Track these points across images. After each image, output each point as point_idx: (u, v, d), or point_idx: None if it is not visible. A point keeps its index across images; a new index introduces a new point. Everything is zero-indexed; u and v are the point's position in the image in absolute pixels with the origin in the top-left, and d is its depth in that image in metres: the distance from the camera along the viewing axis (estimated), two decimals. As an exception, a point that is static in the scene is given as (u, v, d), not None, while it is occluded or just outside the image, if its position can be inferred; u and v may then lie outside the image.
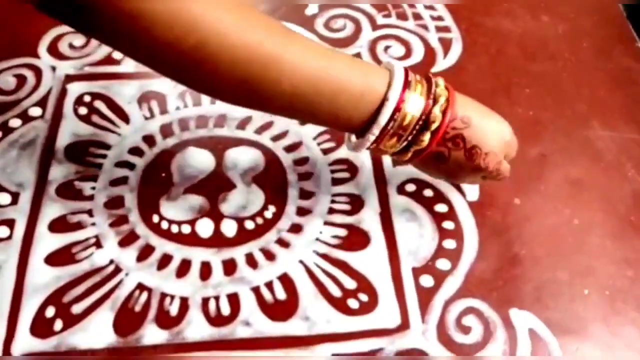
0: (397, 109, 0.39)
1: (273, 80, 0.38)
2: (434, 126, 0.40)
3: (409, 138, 0.41)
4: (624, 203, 0.51)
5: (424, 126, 0.40)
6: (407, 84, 0.40)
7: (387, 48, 0.60)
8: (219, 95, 0.41)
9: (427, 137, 0.41)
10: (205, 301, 0.44)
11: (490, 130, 0.42)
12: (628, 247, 0.48)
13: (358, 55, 0.59)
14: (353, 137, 0.44)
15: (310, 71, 0.38)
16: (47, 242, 0.47)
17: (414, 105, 0.40)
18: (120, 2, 0.34)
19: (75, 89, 0.56)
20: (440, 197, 0.50)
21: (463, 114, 0.41)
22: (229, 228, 0.48)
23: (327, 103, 0.40)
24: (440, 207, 0.50)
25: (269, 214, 0.49)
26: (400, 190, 0.50)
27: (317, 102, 0.39)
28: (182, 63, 0.37)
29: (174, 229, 0.48)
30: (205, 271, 0.46)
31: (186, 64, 0.37)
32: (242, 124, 0.54)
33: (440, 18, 0.63)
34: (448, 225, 0.49)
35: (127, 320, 0.43)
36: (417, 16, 0.63)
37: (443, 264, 0.47)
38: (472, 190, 0.51)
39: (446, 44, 0.61)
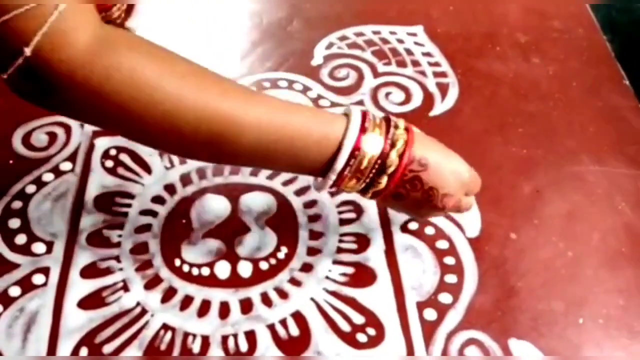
0: (353, 155, 0.42)
1: (233, 137, 0.41)
2: (390, 170, 0.43)
3: (367, 181, 0.44)
4: (615, 235, 0.54)
5: (381, 169, 0.43)
6: (363, 129, 0.43)
7: (387, 94, 0.65)
8: (189, 154, 0.45)
9: (384, 180, 0.44)
10: (224, 339, 0.48)
11: (447, 172, 0.45)
12: (620, 277, 0.51)
13: (361, 102, 0.64)
14: (318, 178, 0.46)
15: (268, 126, 0.42)
16: (79, 287, 0.51)
17: (371, 149, 0.43)
18: (87, 84, 0.37)
19: (101, 143, 0.60)
20: (441, 234, 0.54)
21: (420, 156, 0.44)
22: (245, 269, 0.52)
23: (286, 152, 0.43)
24: (441, 244, 0.53)
25: (281, 254, 0.53)
26: (404, 228, 0.54)
27: (276, 152, 0.43)
28: (150, 130, 0.40)
29: (195, 271, 0.52)
30: (224, 310, 0.49)
31: (153, 131, 0.40)
32: (255, 171, 0.58)
33: (437, 64, 0.67)
34: (449, 260, 0.52)
35: (154, 358, 0.47)
36: (415, 63, 0.68)
37: (445, 297, 0.50)
38: (472, 227, 0.54)
39: (443, 89, 0.65)
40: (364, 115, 0.44)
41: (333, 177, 0.43)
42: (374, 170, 0.43)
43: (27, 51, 0.36)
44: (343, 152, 0.42)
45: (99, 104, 0.38)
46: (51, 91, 0.38)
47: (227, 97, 0.41)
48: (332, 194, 0.56)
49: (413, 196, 0.45)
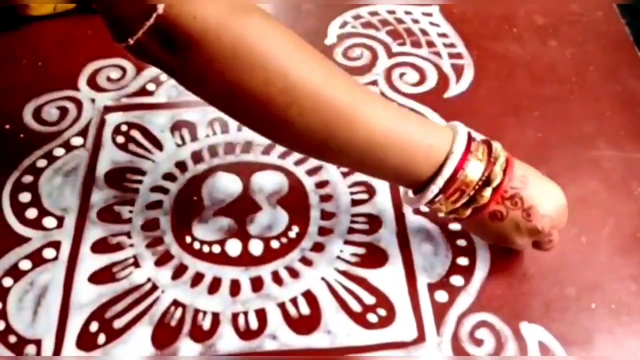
0: (461, 163, 0.42)
1: (347, 127, 0.40)
2: (495, 182, 0.42)
3: (471, 193, 0.42)
4: (630, 221, 0.53)
5: (485, 182, 0.42)
6: (469, 143, 0.42)
7: (402, 75, 0.64)
8: (294, 142, 0.43)
9: (488, 192, 0.42)
10: (235, 316, 0.48)
11: (547, 193, 0.44)
12: (634, 264, 0.50)
13: (374, 82, 0.63)
14: (410, 193, 0.46)
15: (382, 123, 0.41)
16: (90, 262, 0.51)
17: (476, 163, 0.42)
18: (218, 45, 0.37)
19: (113, 119, 0.60)
20: (453, 216, 0.53)
21: (521, 173, 0.43)
22: (256, 247, 0.51)
23: (396, 154, 0.42)
24: (454, 226, 0.52)
25: (292, 234, 0.52)
26: (416, 210, 0.53)
27: (387, 152, 0.42)
28: (268, 106, 0.39)
29: (205, 249, 0.51)
30: (235, 288, 0.49)
31: (270, 108, 0.39)
32: (267, 150, 0.58)
33: (452, 45, 0.66)
34: (461, 243, 0.52)
35: (164, 334, 0.47)
36: (430, 44, 0.67)
37: (457, 280, 0.50)
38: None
39: (458, 70, 0.64)
40: (468, 132, 0.44)
41: (440, 183, 0.42)
42: (479, 183, 0.42)
43: (160, 8, 0.36)
44: (451, 160, 0.42)
45: (224, 69, 0.38)
46: (179, 51, 0.38)
47: (347, 89, 0.41)
48: (345, 175, 0.56)
49: (512, 215, 0.43)
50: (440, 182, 0.42)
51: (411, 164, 0.42)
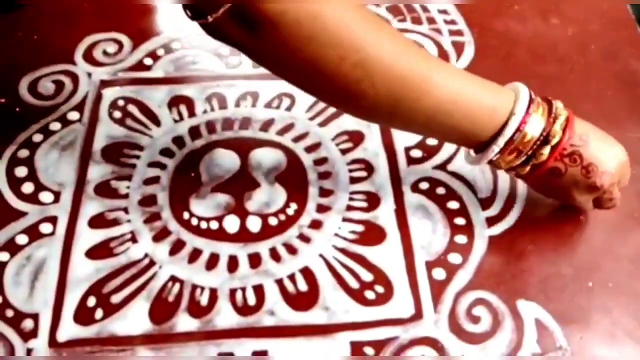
0: (523, 123, 0.43)
1: (416, 97, 0.42)
2: (554, 141, 0.44)
3: (529, 152, 0.44)
4: (629, 200, 0.53)
5: (544, 141, 0.44)
6: (531, 102, 0.44)
7: (402, 52, 0.63)
8: (364, 112, 0.46)
9: (546, 150, 0.44)
10: (232, 292, 0.48)
11: (607, 151, 0.46)
12: (631, 243, 0.51)
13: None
14: (472, 152, 0.48)
15: (449, 92, 0.43)
16: (87, 237, 0.50)
17: (536, 121, 0.44)
18: (295, 26, 0.38)
19: (109, 93, 0.59)
20: (452, 194, 0.53)
21: (581, 131, 0.45)
22: (254, 224, 0.51)
23: (460, 120, 0.44)
24: (452, 204, 0.52)
25: (291, 211, 0.52)
26: (414, 188, 0.53)
27: (452, 119, 0.44)
28: (341, 81, 0.41)
29: (203, 225, 0.51)
30: (233, 264, 0.49)
31: (343, 82, 0.41)
32: (265, 126, 0.57)
33: (453, 22, 0.66)
34: (459, 221, 0.52)
35: (162, 309, 0.47)
36: (431, 20, 0.66)
37: (454, 257, 0.50)
38: (483, 188, 0.53)
39: (459, 47, 0.64)
40: (530, 91, 0.45)
41: (501, 143, 0.44)
42: (537, 142, 0.44)
43: None
44: (513, 121, 0.43)
45: (300, 48, 0.39)
46: (257, 31, 0.39)
47: (417, 61, 0.43)
48: (343, 152, 0.56)
49: (571, 171, 0.45)
50: (501, 142, 0.44)
51: (475, 127, 0.44)
